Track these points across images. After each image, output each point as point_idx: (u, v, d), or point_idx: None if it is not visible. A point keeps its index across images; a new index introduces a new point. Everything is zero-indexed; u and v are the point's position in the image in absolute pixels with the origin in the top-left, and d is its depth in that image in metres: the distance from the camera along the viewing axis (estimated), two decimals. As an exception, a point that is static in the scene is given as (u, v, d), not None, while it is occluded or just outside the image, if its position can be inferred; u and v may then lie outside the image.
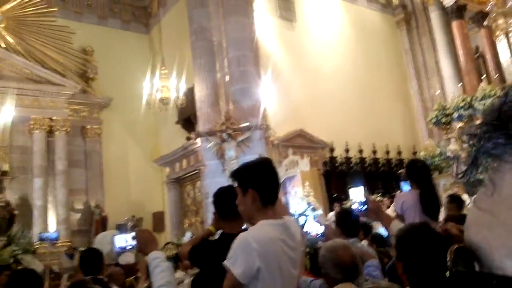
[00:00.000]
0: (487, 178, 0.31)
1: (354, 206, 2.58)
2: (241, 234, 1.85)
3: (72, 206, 13.15)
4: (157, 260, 2.02)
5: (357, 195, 2.58)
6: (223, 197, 2.40)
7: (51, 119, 13.09)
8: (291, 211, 9.65)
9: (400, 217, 3.72)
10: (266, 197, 1.91)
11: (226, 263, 1.77)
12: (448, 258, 0.44)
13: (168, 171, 13.96)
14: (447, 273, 0.36)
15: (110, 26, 15.07)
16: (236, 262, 1.76)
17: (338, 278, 2.34)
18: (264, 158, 2.18)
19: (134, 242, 2.27)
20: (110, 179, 13.77)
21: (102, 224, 12.73)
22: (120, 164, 14.06)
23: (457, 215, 5.03)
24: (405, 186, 5.92)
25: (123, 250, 2.39)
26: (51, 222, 12.70)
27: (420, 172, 3.79)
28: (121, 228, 12.75)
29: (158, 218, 14.17)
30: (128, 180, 14.12)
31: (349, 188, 2.69)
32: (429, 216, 3.58)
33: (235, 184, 2.00)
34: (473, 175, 0.33)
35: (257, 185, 1.91)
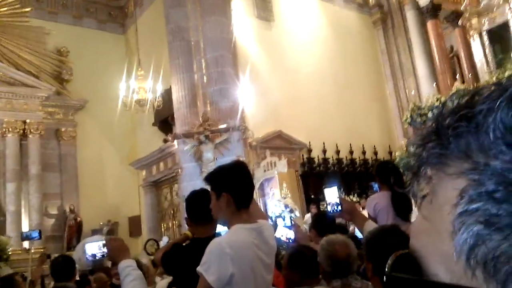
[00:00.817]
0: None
1: (328, 208, 2.55)
2: (215, 239, 1.83)
3: (46, 211, 12.87)
4: (129, 268, 2.00)
5: (331, 195, 2.54)
6: (194, 201, 2.38)
7: (24, 122, 12.80)
8: (269, 213, 9.62)
9: (373, 219, 3.72)
10: (240, 200, 1.89)
11: (199, 269, 1.74)
12: (388, 263, 0.42)
13: (144, 174, 13.77)
14: (384, 278, 0.35)
15: (86, 26, 14.83)
16: (209, 269, 1.73)
17: (328, 271, 2.36)
18: (238, 161, 2.16)
19: (105, 250, 2.24)
20: (85, 183, 13.51)
21: (77, 230, 12.47)
22: (96, 168, 13.82)
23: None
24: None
25: (94, 257, 2.34)
26: (24, 228, 12.38)
27: (391, 173, 3.78)
28: (97, 233, 12.54)
29: (135, 223, 13.97)
30: (104, 183, 13.89)
31: (324, 188, 2.66)
32: (401, 218, 3.58)
33: (209, 188, 1.98)
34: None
35: (231, 189, 1.88)
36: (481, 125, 0.26)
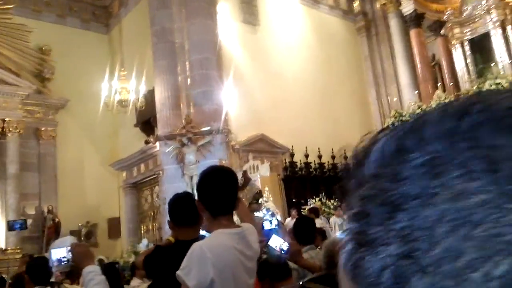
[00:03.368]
0: None
1: (275, 251, 2.59)
2: (195, 244, 1.81)
3: (23, 212, 12.63)
4: (92, 273, 2.04)
5: (276, 242, 2.58)
6: (177, 204, 2.38)
7: (3, 120, 12.62)
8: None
9: None
10: (213, 208, 1.86)
11: (179, 273, 1.73)
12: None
13: (125, 176, 13.65)
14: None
15: (69, 25, 14.68)
16: (190, 273, 1.72)
17: (323, 267, 2.47)
18: (214, 168, 2.13)
19: (70, 255, 2.27)
20: (64, 183, 13.33)
21: (55, 230, 12.28)
22: (76, 168, 13.65)
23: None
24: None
25: (60, 263, 2.36)
26: (1, 228, 12.17)
27: None
28: (75, 235, 12.36)
29: (114, 224, 13.85)
30: (83, 184, 13.74)
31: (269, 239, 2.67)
32: None
33: None
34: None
35: (202, 197, 1.88)
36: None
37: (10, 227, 10.66)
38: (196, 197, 1.94)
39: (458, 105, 0.27)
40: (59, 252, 2.34)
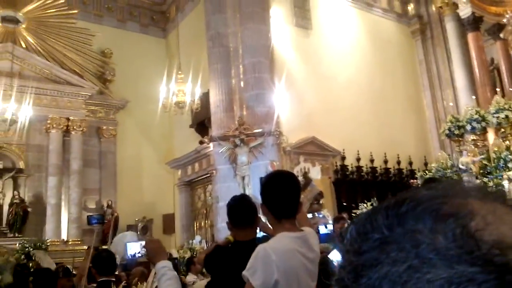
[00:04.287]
0: None
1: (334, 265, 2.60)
2: (261, 245, 1.90)
3: (84, 205, 13.34)
4: (165, 269, 2.11)
5: (336, 256, 2.63)
6: (235, 206, 2.48)
7: (68, 119, 13.31)
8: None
9: None
10: (277, 211, 1.94)
11: (245, 273, 1.82)
12: None
13: (180, 174, 14.11)
14: None
15: (129, 29, 15.31)
16: (255, 273, 1.81)
17: None
18: (277, 172, 2.20)
19: (143, 251, 2.39)
20: (123, 180, 13.96)
21: (114, 224, 12.84)
22: (134, 166, 14.24)
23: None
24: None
25: (134, 256, 2.52)
26: (63, 221, 12.89)
27: None
28: (131, 229, 12.93)
29: (168, 220, 14.31)
30: (141, 181, 14.31)
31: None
32: None
33: None
34: None
35: (266, 200, 1.96)
36: None
37: (89, 221, 11.25)
38: (260, 201, 2.00)
39: (396, 201, 0.43)
40: (134, 247, 2.57)
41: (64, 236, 12.80)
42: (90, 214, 11.84)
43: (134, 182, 14.05)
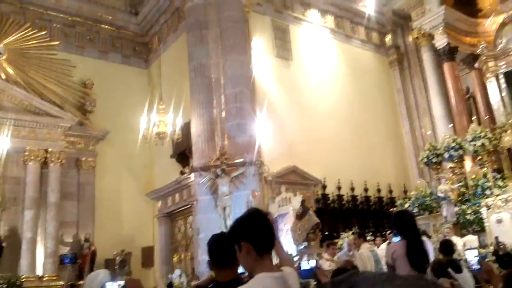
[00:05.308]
0: None
1: None
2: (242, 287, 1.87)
3: (61, 239, 12.98)
4: None
5: None
6: (215, 245, 2.42)
7: (46, 150, 13.09)
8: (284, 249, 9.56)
9: (391, 267, 3.80)
10: (260, 246, 1.92)
11: None
12: None
13: (160, 205, 13.91)
14: None
15: (111, 60, 15.34)
16: None
17: None
18: (252, 209, 2.19)
19: None
20: (101, 212, 13.67)
21: (91, 258, 12.52)
22: (113, 197, 13.98)
23: (443, 260, 5.11)
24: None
25: None
26: (39, 255, 12.50)
27: (406, 224, 3.85)
28: (110, 263, 12.60)
29: (148, 253, 14.00)
30: (120, 213, 14.03)
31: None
32: (416, 269, 3.63)
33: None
34: None
35: (248, 236, 1.93)
36: None
37: (61, 261, 10.95)
38: (238, 240, 1.96)
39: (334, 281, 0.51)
40: (113, 286, 2.48)
41: (39, 271, 12.39)
42: (63, 253, 11.55)
43: (112, 215, 13.77)
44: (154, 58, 15.29)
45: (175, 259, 13.28)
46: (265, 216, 2.06)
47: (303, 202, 10.33)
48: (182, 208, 12.94)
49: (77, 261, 12.00)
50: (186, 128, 11.58)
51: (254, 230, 1.95)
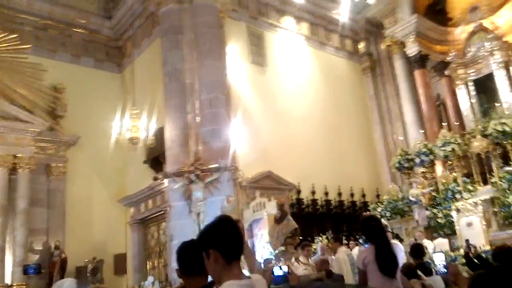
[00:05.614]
0: None
1: None
2: None
3: (30, 247, 12.64)
4: None
5: None
6: (185, 253, 2.37)
7: (15, 156, 12.77)
8: (257, 255, 9.56)
9: (362, 272, 3.82)
10: (228, 253, 1.90)
11: None
12: None
13: (132, 212, 13.71)
14: None
15: (83, 64, 15.07)
16: None
17: None
18: (222, 216, 2.17)
19: None
20: (72, 219, 13.36)
21: (61, 266, 12.22)
22: (84, 204, 13.71)
23: (414, 264, 5.18)
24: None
25: None
26: (7, 264, 12.15)
27: (374, 230, 3.88)
28: (81, 271, 12.33)
29: (120, 261, 13.75)
30: (91, 220, 13.74)
31: None
32: (386, 273, 3.66)
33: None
34: None
35: (216, 244, 1.90)
36: None
37: (25, 271, 10.66)
38: (206, 247, 1.93)
39: None
40: None
41: (8, 280, 12.04)
42: (27, 263, 11.26)
43: (84, 221, 13.48)
44: (128, 63, 15.11)
45: (148, 266, 13.08)
46: (235, 223, 2.02)
47: (281, 206, 10.32)
48: (155, 214, 12.78)
49: (41, 271, 11.68)
50: (160, 133, 11.46)
51: (222, 238, 1.92)
